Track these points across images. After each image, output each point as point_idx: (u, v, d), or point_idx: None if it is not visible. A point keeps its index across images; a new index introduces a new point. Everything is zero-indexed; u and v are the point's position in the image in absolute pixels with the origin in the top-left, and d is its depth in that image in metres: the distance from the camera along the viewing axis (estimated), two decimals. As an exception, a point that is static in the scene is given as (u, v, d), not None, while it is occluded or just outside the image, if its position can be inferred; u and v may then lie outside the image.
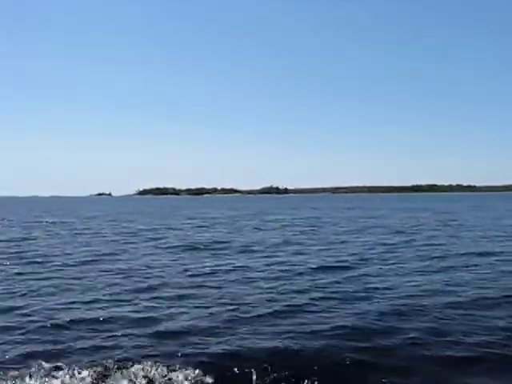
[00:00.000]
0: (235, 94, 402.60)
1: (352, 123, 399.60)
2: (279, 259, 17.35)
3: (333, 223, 37.00)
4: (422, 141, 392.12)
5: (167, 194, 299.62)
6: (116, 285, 12.66)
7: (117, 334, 8.41)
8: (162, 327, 8.78)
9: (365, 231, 29.18)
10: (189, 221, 41.76)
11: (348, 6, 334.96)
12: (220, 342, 7.91)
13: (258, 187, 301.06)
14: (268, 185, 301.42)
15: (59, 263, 16.61)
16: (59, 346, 7.83)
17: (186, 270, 15.06)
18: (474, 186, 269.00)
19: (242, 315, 9.49)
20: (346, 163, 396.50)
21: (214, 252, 19.76)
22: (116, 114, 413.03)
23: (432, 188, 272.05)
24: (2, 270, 15.12)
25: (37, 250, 20.50)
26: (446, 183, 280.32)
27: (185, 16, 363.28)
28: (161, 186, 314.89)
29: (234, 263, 16.41)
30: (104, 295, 11.43)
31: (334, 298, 10.96)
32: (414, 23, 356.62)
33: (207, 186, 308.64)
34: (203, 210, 69.32)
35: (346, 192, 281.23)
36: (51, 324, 8.98)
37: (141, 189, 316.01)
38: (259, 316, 9.42)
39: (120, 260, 17.57)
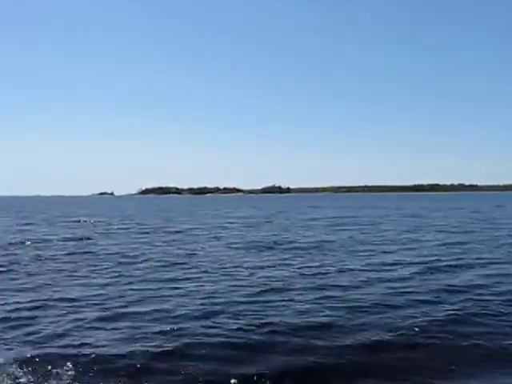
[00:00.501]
0: (235, 93, 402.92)
1: (352, 123, 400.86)
2: (385, 259, 16.88)
3: (376, 222, 36.64)
4: (421, 140, 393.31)
5: (169, 193, 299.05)
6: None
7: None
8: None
9: (423, 230, 28.88)
10: (228, 220, 41.35)
11: (348, 6, 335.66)
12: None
13: (260, 186, 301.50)
14: (270, 184, 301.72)
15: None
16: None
17: (300, 269, 14.75)
18: (476, 186, 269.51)
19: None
20: (345, 163, 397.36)
21: (298, 252, 19.25)
22: (117, 113, 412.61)
23: (434, 187, 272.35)
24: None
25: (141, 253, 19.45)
26: (447, 183, 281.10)
27: (185, 16, 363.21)
28: (163, 186, 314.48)
29: (342, 263, 16.01)
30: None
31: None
32: (413, 23, 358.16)
33: (209, 186, 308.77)
34: (225, 209, 68.75)
35: (348, 191, 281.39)
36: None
37: (143, 188, 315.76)
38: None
39: (214, 262, 16.81)
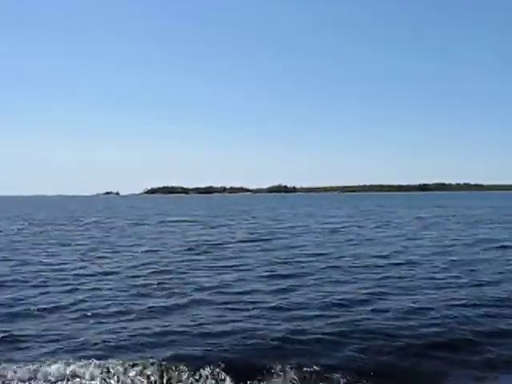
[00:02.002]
0: (235, 93, 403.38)
1: (352, 123, 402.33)
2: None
3: (439, 222, 38.25)
4: (422, 140, 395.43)
5: (174, 192, 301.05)
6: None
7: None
8: None
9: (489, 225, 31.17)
10: (326, 220, 43.18)
11: (348, 6, 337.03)
12: None
13: (263, 186, 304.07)
14: (272, 184, 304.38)
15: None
16: None
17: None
18: (481, 185, 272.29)
19: None
20: (346, 163, 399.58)
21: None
22: (118, 113, 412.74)
23: (440, 187, 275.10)
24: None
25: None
26: (452, 182, 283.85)
27: (185, 16, 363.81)
28: (168, 185, 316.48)
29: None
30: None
31: None
32: (413, 23, 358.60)
33: (214, 185, 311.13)
34: (281, 210, 69.27)
35: (354, 191, 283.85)
36: None
37: (148, 188, 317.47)
38: None
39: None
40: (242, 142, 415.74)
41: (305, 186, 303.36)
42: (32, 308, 10.67)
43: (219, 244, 23.40)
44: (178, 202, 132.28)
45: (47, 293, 12.32)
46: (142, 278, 14.55)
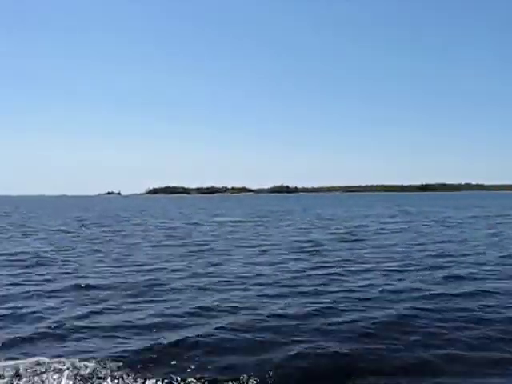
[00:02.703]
0: (235, 93, 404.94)
1: (352, 123, 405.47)
2: None
3: (504, 221, 38.55)
4: (421, 140, 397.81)
5: (176, 193, 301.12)
6: None
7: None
8: None
9: None
10: (384, 219, 41.84)
11: (348, 6, 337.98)
12: None
13: (267, 186, 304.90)
14: (276, 184, 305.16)
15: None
16: None
17: None
18: (482, 185, 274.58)
19: None
20: (345, 163, 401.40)
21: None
22: (119, 114, 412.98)
23: (442, 187, 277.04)
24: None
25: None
26: (453, 182, 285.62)
27: (185, 16, 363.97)
28: (170, 185, 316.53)
29: None
30: None
31: None
32: (414, 23, 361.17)
33: (216, 185, 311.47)
34: (319, 210, 67.35)
35: (355, 191, 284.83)
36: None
37: (150, 188, 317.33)
38: None
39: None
40: (243, 142, 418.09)
41: (306, 186, 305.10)
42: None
43: (320, 245, 22.97)
44: (191, 202, 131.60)
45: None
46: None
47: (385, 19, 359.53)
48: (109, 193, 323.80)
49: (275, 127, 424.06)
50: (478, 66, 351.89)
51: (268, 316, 9.31)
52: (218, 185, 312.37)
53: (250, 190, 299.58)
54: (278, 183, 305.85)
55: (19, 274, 14.57)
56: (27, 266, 15.94)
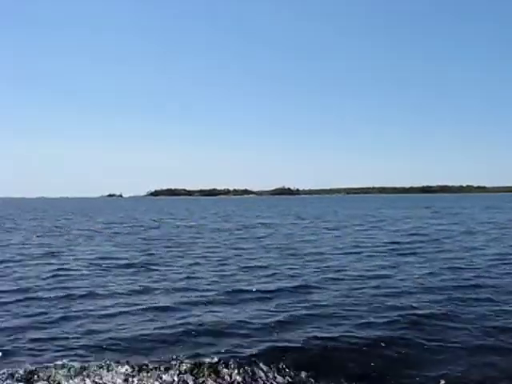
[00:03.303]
0: (235, 93, 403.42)
1: (355, 123, 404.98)
2: None
3: None
4: (422, 142, 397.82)
5: (178, 194, 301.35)
6: None
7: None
8: None
9: None
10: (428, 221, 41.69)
11: (348, 7, 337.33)
12: None
13: (268, 188, 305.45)
14: (278, 186, 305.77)
15: None
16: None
17: None
18: (484, 187, 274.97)
19: None
20: (348, 164, 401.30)
21: None
22: (119, 115, 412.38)
23: (443, 189, 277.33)
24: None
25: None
26: (454, 184, 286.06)
27: (184, 15, 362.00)
28: (172, 187, 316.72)
29: None
30: None
31: None
32: (414, 22, 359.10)
33: (218, 187, 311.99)
34: (350, 211, 67.73)
35: (357, 193, 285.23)
36: None
37: (152, 190, 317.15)
38: None
39: None
40: (243, 144, 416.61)
41: (308, 188, 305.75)
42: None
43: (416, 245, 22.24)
44: (206, 204, 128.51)
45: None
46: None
47: (385, 18, 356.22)
48: (110, 195, 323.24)
49: (276, 128, 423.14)
50: (479, 66, 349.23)
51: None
52: (219, 187, 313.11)
53: (251, 192, 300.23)
54: (282, 185, 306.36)
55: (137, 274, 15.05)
56: (141, 267, 16.20)
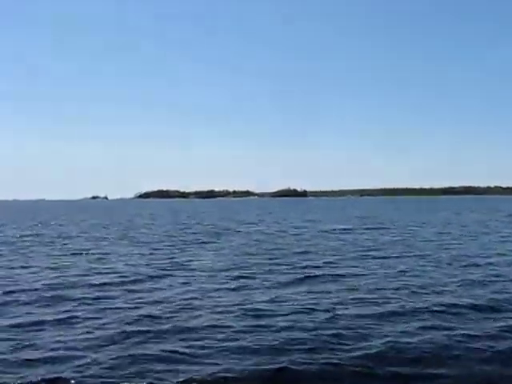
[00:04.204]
0: (228, 92, 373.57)
1: (366, 121, 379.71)
2: None
3: None
4: (443, 140, 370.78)
5: (172, 197, 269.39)
6: None
7: None
8: None
9: None
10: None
11: (348, 6, 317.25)
12: None
13: (271, 190, 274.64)
14: (284, 187, 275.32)
15: None
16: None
17: None
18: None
19: None
20: (354, 164, 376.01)
21: None
22: (105, 111, 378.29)
23: (468, 190, 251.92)
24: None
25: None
26: (480, 185, 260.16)
27: (185, 15, 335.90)
28: (163, 188, 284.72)
29: None
30: None
31: None
32: (414, 22, 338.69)
33: (217, 189, 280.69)
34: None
35: (371, 195, 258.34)
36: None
37: (142, 191, 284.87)
38: None
39: None
40: (243, 142, 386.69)
41: (316, 189, 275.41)
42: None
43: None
44: (233, 206, 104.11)
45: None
46: None
47: (385, 18, 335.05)
48: (94, 197, 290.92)
49: (277, 126, 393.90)
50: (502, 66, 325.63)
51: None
52: (218, 188, 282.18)
53: (253, 194, 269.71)
54: (288, 186, 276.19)
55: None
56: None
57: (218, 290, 12.32)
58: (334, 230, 32.84)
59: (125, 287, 12.72)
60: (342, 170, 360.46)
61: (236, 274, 14.69)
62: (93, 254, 20.37)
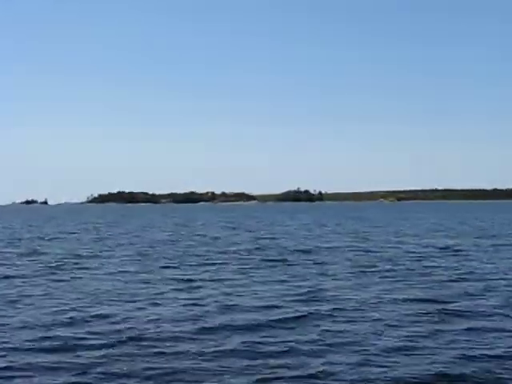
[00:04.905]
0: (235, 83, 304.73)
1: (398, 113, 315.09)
2: None
3: None
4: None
5: (137, 201, 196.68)
6: None
7: None
8: None
9: None
10: None
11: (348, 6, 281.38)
12: None
13: (275, 192, 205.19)
14: (291, 188, 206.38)
15: None
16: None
17: None
18: None
19: None
20: (379, 161, 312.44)
21: None
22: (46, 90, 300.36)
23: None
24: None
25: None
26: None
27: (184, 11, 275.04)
28: (125, 191, 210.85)
29: None
30: None
31: None
32: (414, 22, 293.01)
33: (198, 191, 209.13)
34: None
35: (405, 199, 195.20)
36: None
37: (95, 195, 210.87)
38: None
39: None
40: (235, 135, 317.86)
41: (334, 191, 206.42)
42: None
43: None
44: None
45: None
46: None
47: (385, 17, 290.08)
48: (29, 201, 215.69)
49: (274, 125, 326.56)
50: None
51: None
52: (200, 190, 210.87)
53: (251, 197, 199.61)
54: (297, 187, 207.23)
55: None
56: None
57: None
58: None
59: None
60: (359, 167, 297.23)
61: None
62: None
